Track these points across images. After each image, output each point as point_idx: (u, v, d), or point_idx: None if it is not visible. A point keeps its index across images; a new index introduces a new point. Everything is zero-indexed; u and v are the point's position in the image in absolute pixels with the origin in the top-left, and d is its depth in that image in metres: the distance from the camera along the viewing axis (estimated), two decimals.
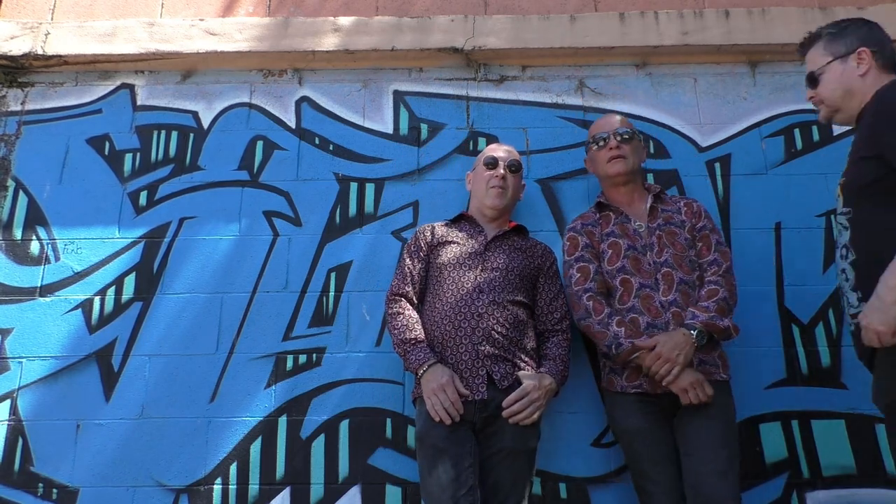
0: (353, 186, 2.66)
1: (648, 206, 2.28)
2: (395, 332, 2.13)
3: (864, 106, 1.68)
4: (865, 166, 1.58)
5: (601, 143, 2.33)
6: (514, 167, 2.35)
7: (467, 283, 2.15)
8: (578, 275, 2.20)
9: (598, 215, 2.32)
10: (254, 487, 2.28)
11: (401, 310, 2.16)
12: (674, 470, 2.01)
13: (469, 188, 2.45)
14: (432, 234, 2.30)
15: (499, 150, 2.39)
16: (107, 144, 2.71)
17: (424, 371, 2.03)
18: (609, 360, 2.14)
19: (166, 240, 2.58)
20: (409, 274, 2.23)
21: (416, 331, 2.10)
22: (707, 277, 2.13)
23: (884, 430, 1.72)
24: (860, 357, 1.67)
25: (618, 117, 2.41)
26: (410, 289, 2.21)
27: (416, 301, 2.21)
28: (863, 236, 1.61)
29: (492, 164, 2.34)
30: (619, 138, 2.30)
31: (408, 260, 2.26)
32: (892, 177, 1.54)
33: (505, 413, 2.00)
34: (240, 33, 2.80)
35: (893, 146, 1.52)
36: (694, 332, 1.98)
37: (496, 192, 2.29)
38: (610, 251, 2.22)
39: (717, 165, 2.67)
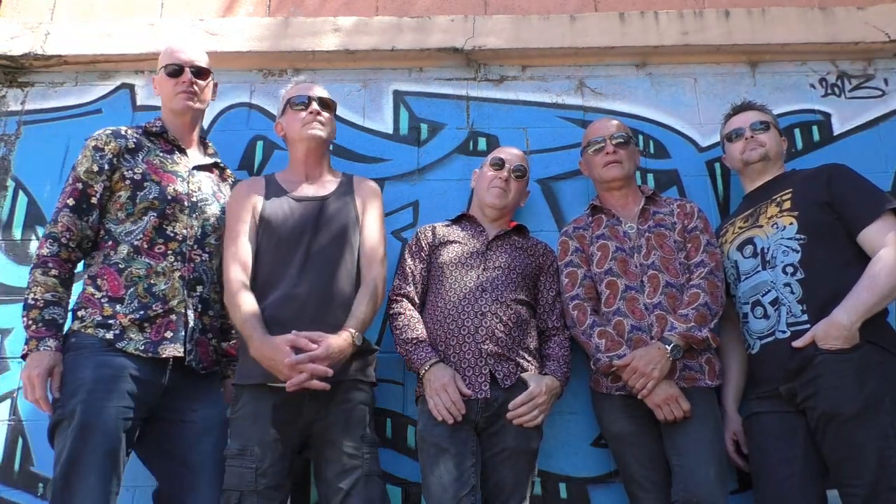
0: None
1: (639, 208, 2.28)
2: (398, 331, 2.13)
3: (791, 171, 2.33)
4: (824, 210, 2.06)
5: (597, 148, 2.33)
6: (520, 173, 2.35)
7: (469, 283, 2.16)
8: (567, 280, 2.23)
9: (590, 218, 2.34)
10: None
11: (402, 310, 2.16)
12: (662, 473, 2.02)
13: (473, 185, 2.45)
14: (433, 234, 2.30)
15: (507, 153, 2.38)
16: None
17: (427, 370, 2.03)
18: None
19: None
20: (410, 274, 2.23)
21: (417, 330, 2.11)
22: (692, 281, 2.12)
23: None
24: (789, 363, 1.95)
25: (614, 121, 2.42)
26: (412, 289, 2.21)
27: (417, 301, 2.21)
28: (814, 262, 2.01)
29: (498, 165, 2.33)
30: (615, 143, 2.31)
31: (409, 260, 2.26)
32: (837, 222, 2.05)
33: (509, 415, 2.01)
34: (240, 33, 2.80)
35: (853, 212, 2.04)
36: (669, 347, 1.98)
37: (497, 191, 2.30)
38: (599, 253, 2.23)
39: (717, 165, 2.67)
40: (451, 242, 2.26)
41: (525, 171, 2.37)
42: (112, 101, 2.79)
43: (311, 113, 2.17)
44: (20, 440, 2.33)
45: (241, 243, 2.06)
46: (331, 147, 2.37)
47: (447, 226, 2.35)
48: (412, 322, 2.13)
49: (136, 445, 1.98)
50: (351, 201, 2.18)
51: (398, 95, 2.80)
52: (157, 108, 2.76)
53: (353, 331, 1.94)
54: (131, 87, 2.81)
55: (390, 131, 2.75)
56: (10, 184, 2.65)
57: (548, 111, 2.78)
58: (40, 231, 2.58)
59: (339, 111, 2.73)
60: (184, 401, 2.00)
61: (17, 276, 2.52)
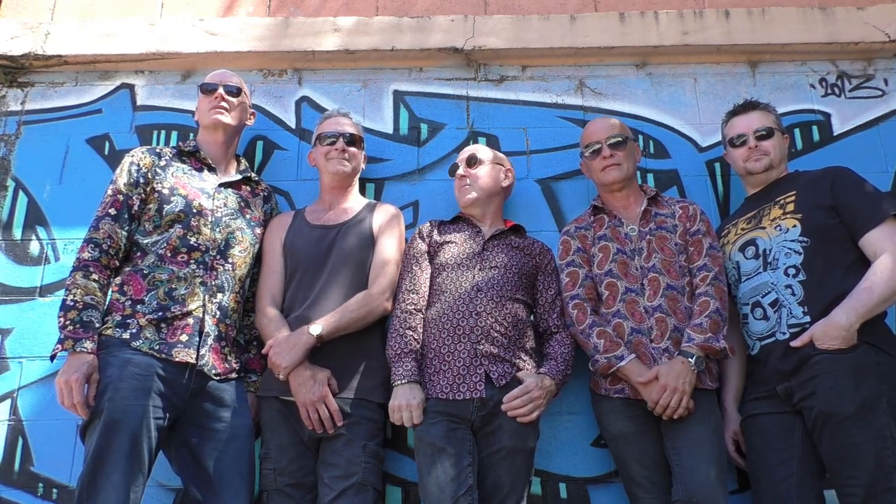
0: None
1: (642, 209, 2.28)
2: (395, 340, 2.11)
3: (794, 173, 2.30)
4: (828, 213, 2.07)
5: (594, 151, 2.33)
6: (472, 161, 2.35)
7: (466, 283, 2.15)
8: (567, 279, 2.23)
9: (592, 218, 2.33)
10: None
11: (414, 325, 2.13)
12: (662, 473, 2.02)
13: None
14: (430, 233, 2.30)
15: (460, 155, 2.41)
16: (107, 144, 2.71)
17: (401, 384, 2.04)
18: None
19: None
20: (421, 284, 2.20)
21: (412, 344, 2.10)
22: (698, 288, 2.11)
23: None
24: (787, 363, 1.97)
25: (609, 122, 2.39)
26: (422, 299, 2.18)
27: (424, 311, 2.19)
28: (816, 264, 2.02)
29: (454, 169, 2.40)
30: (610, 145, 2.29)
31: (416, 269, 2.23)
32: (840, 226, 2.05)
33: (504, 408, 2.01)
34: (240, 33, 2.80)
35: (855, 217, 2.04)
36: (692, 360, 1.98)
37: (464, 190, 2.32)
38: (600, 255, 2.23)
39: (717, 165, 2.67)
40: (448, 243, 2.26)
41: (476, 158, 2.35)
42: (112, 101, 2.79)
43: (337, 149, 2.32)
44: (20, 440, 2.33)
45: (270, 275, 2.24)
46: (358, 176, 2.45)
47: (444, 226, 2.34)
48: (414, 336, 2.12)
49: (164, 447, 2.01)
50: (368, 224, 2.29)
51: (398, 95, 2.81)
52: (157, 108, 2.78)
53: (314, 326, 2.03)
54: (131, 87, 2.81)
55: (390, 131, 2.75)
56: (10, 184, 2.65)
57: (548, 111, 2.78)
58: (40, 231, 2.59)
59: (340, 108, 2.73)
60: (211, 406, 2.03)
61: (17, 276, 2.52)
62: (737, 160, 2.34)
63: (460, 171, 2.35)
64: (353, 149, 2.35)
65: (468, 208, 2.34)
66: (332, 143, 2.33)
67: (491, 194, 2.35)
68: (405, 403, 2.00)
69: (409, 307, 2.15)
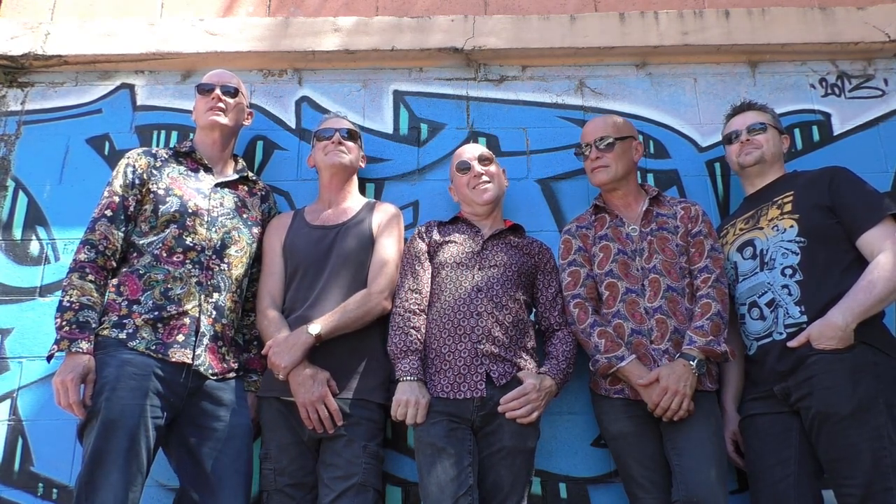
0: None
1: (643, 209, 2.27)
2: (398, 338, 2.11)
3: (792, 173, 2.29)
4: (825, 214, 2.07)
5: (585, 153, 2.33)
6: (487, 160, 2.35)
7: (466, 283, 2.15)
8: (569, 279, 2.22)
9: (593, 217, 2.33)
10: (254, 487, 2.28)
11: (417, 325, 2.13)
12: (662, 473, 2.02)
13: (456, 199, 2.44)
14: (430, 233, 2.30)
15: (466, 153, 2.38)
16: (107, 144, 2.71)
17: (408, 381, 2.04)
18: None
19: None
20: (423, 284, 2.19)
21: (415, 344, 2.11)
22: (700, 290, 2.11)
23: None
24: (784, 363, 1.97)
25: (602, 122, 2.37)
26: (424, 299, 2.18)
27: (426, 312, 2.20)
28: (813, 264, 2.02)
29: (465, 168, 2.33)
30: (598, 146, 2.28)
31: (418, 268, 2.22)
32: (838, 226, 2.05)
33: (501, 409, 2.01)
34: (240, 33, 2.80)
35: (853, 217, 2.04)
36: (694, 363, 1.98)
37: (481, 188, 2.29)
38: (601, 255, 2.23)
39: (717, 165, 2.67)
40: (448, 242, 2.26)
41: (491, 157, 2.37)
42: (112, 100, 2.79)
43: (333, 142, 2.34)
44: (20, 440, 2.33)
45: (270, 276, 2.25)
46: (356, 174, 2.46)
47: (443, 226, 2.34)
48: (418, 336, 2.12)
49: (164, 447, 2.01)
50: (368, 224, 2.28)
51: (398, 95, 2.80)
52: (157, 108, 2.78)
53: (312, 326, 2.03)
54: (131, 87, 2.81)
55: (390, 131, 2.75)
56: (10, 184, 2.65)
57: (548, 111, 2.78)
58: (40, 231, 2.59)
59: (339, 111, 2.74)
60: (210, 406, 2.03)
61: (17, 276, 2.52)
62: (731, 156, 2.37)
63: (477, 168, 2.31)
64: (349, 142, 2.37)
65: (482, 207, 2.31)
66: (329, 138, 2.35)
67: (502, 192, 2.38)
68: (413, 400, 2.00)
69: (412, 306, 2.14)
